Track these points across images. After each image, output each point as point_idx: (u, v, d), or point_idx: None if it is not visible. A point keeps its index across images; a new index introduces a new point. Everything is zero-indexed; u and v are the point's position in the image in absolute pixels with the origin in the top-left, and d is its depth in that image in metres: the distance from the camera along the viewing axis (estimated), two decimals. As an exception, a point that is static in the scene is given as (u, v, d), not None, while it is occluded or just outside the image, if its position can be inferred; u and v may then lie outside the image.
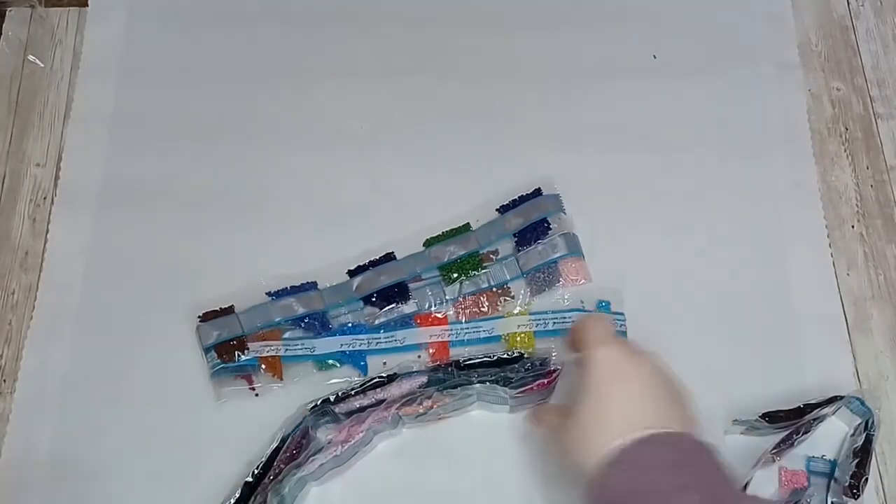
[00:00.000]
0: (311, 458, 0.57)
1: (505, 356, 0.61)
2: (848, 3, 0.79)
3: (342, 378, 0.63)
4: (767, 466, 0.60)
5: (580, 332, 0.53)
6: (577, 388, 0.52)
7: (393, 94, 0.74)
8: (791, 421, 0.60)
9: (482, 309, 0.65)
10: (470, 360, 0.61)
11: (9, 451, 0.61)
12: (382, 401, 0.59)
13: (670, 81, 0.74)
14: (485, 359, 0.61)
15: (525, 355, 0.62)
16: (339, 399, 0.60)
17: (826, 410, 0.60)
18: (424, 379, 0.60)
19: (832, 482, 0.59)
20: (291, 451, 0.58)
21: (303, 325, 0.64)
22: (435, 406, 0.59)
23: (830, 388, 0.62)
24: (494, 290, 0.66)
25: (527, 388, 0.58)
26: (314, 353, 0.63)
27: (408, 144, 0.72)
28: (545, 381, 0.59)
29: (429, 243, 0.67)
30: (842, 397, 0.60)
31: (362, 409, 0.59)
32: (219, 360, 0.62)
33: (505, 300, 0.66)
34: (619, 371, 0.51)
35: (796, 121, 0.73)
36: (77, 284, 0.66)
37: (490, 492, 0.60)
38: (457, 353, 0.64)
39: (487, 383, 0.58)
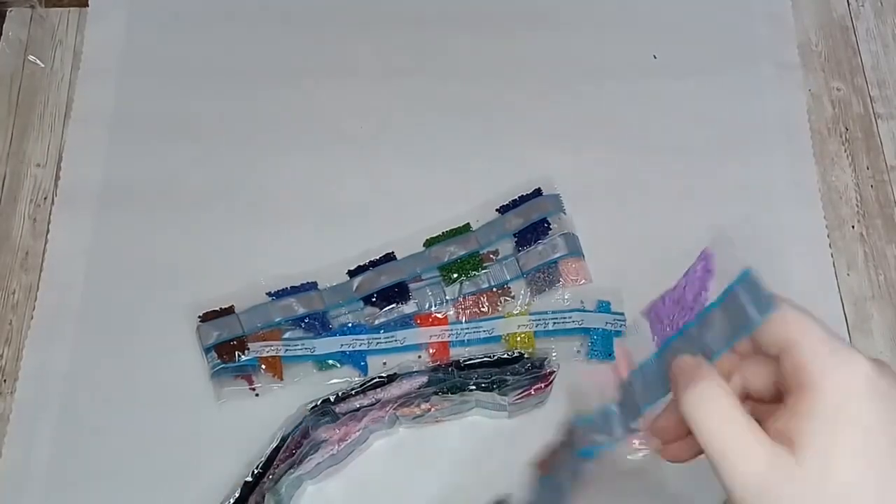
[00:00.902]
0: (308, 458, 0.57)
1: (505, 356, 0.61)
2: (848, 3, 0.79)
3: (342, 378, 0.63)
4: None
5: (779, 329, 0.33)
6: (790, 422, 0.31)
7: (393, 94, 0.74)
8: (791, 421, 0.59)
9: (482, 309, 0.65)
10: (470, 360, 0.61)
11: (9, 451, 0.61)
12: (380, 399, 0.59)
13: (670, 81, 0.74)
14: (485, 359, 0.61)
15: (525, 355, 0.62)
16: (339, 399, 0.60)
17: (826, 410, 0.60)
18: (424, 379, 0.60)
19: (832, 482, 0.59)
20: (291, 450, 0.58)
21: (303, 325, 0.64)
22: (433, 409, 0.59)
23: (830, 388, 0.62)
24: (494, 290, 0.66)
25: (524, 392, 0.58)
26: (314, 353, 0.63)
27: (408, 144, 0.72)
28: (542, 384, 0.59)
29: (429, 243, 0.67)
30: (842, 397, 0.60)
31: (362, 408, 0.59)
32: (219, 361, 0.62)
33: (505, 300, 0.66)
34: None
35: (796, 121, 0.73)
36: (77, 284, 0.66)
37: (486, 493, 0.60)
38: (457, 353, 0.64)
39: (484, 387, 0.58)
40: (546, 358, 0.62)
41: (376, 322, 0.65)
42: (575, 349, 0.64)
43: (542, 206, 0.68)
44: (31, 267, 0.67)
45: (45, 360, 0.64)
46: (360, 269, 0.66)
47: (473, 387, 0.59)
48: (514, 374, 0.60)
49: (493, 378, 0.59)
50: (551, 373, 0.60)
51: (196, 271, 0.66)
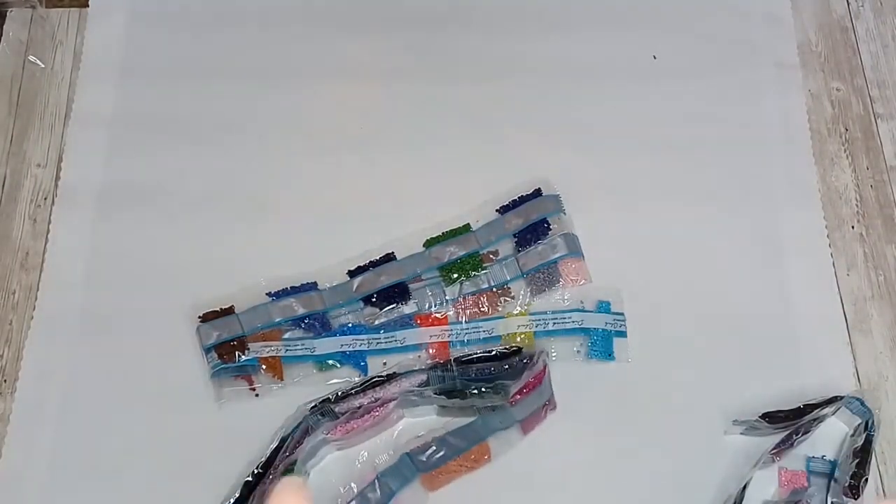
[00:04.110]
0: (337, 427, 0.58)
1: (503, 350, 0.61)
2: (848, 4, 0.79)
3: (342, 378, 0.63)
4: (767, 466, 0.60)
5: None
6: None
7: (393, 94, 0.74)
8: (791, 421, 0.60)
9: (482, 309, 0.65)
10: (468, 356, 0.61)
11: (9, 451, 0.61)
12: (380, 398, 0.60)
13: (670, 81, 0.74)
14: (483, 354, 0.61)
15: (523, 349, 0.61)
16: (339, 399, 0.60)
17: (826, 410, 0.60)
18: (424, 377, 0.60)
19: (832, 482, 0.59)
20: (291, 450, 0.58)
21: (303, 325, 0.64)
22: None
23: (830, 388, 0.62)
24: (494, 290, 0.66)
25: (519, 390, 0.58)
26: (314, 353, 0.63)
27: (408, 144, 0.72)
28: (532, 380, 0.59)
29: (429, 243, 0.67)
30: (842, 397, 0.60)
31: (361, 408, 0.60)
32: (219, 361, 0.62)
33: (505, 300, 0.66)
34: None
35: (796, 121, 0.73)
36: (77, 284, 0.66)
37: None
38: (457, 353, 0.64)
39: (483, 392, 0.58)
40: (542, 351, 0.61)
41: (376, 322, 0.65)
42: (575, 349, 0.64)
43: (542, 207, 0.68)
44: (31, 267, 0.67)
45: (45, 360, 0.64)
46: (360, 270, 0.66)
47: (475, 391, 0.59)
48: (511, 367, 0.60)
49: (494, 383, 0.59)
50: (544, 366, 0.60)
51: (196, 271, 0.66)
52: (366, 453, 0.60)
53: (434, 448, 0.59)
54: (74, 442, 0.61)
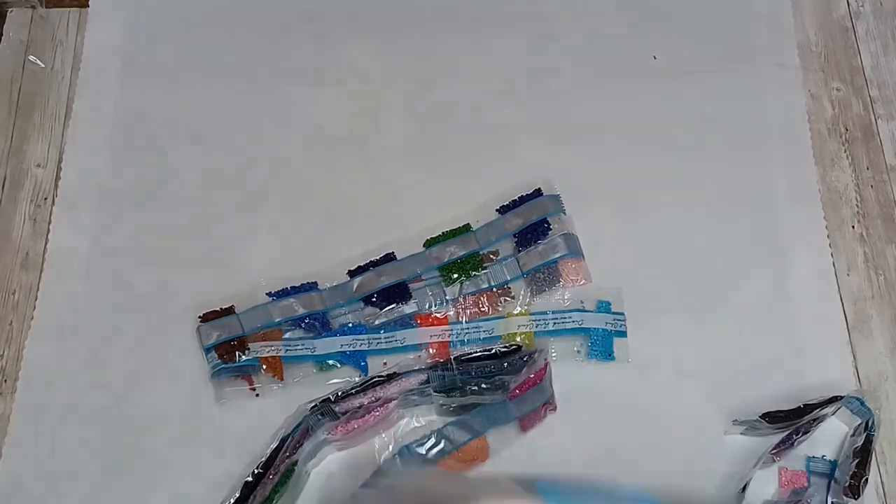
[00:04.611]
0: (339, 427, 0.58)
1: (503, 348, 0.61)
2: (848, 4, 0.79)
3: (342, 378, 0.63)
4: (767, 466, 0.60)
5: None
6: None
7: (393, 94, 0.74)
8: (791, 421, 0.60)
9: (482, 309, 0.65)
10: (469, 354, 0.61)
11: (9, 452, 0.61)
12: (380, 398, 0.60)
13: (670, 81, 0.74)
14: (483, 352, 0.61)
15: (522, 347, 0.61)
16: (339, 399, 0.60)
17: (826, 410, 0.60)
18: (424, 376, 0.60)
19: (832, 482, 0.59)
20: (291, 451, 0.58)
21: (303, 325, 0.64)
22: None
23: (830, 388, 0.62)
24: (495, 290, 0.66)
25: (519, 385, 0.58)
26: (314, 353, 0.63)
27: (408, 145, 0.72)
28: (535, 375, 0.59)
29: (429, 244, 0.67)
30: (842, 397, 0.60)
31: (361, 408, 0.60)
32: (219, 361, 0.62)
33: (505, 300, 0.66)
34: None
35: (796, 121, 0.73)
36: (77, 285, 0.66)
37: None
38: (457, 352, 0.64)
39: (484, 388, 0.58)
40: (543, 349, 0.61)
41: (376, 322, 0.65)
42: (575, 349, 0.64)
43: (542, 207, 0.68)
44: (31, 267, 0.67)
45: (46, 360, 0.64)
46: (360, 270, 0.66)
47: (475, 387, 0.59)
48: (511, 365, 0.60)
49: (493, 378, 0.59)
50: (545, 364, 0.60)
51: (196, 271, 0.66)
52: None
53: (433, 440, 0.58)
54: (74, 442, 0.61)
